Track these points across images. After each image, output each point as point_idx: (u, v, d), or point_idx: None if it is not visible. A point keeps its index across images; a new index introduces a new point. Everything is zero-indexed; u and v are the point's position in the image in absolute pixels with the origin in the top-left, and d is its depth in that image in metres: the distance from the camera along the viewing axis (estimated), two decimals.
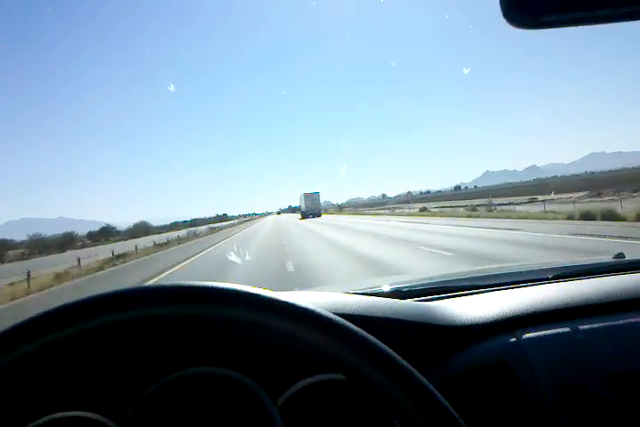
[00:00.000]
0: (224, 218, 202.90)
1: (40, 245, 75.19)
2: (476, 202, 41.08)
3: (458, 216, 27.75)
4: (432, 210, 42.67)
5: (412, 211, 44.37)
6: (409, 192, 59.96)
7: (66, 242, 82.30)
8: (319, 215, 66.98)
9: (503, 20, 0.52)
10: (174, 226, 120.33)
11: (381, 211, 62.70)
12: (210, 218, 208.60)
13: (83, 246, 75.59)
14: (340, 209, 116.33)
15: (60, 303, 0.47)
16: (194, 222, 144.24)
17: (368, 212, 68.56)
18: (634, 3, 0.50)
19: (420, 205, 54.94)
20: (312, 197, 68.95)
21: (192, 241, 35.61)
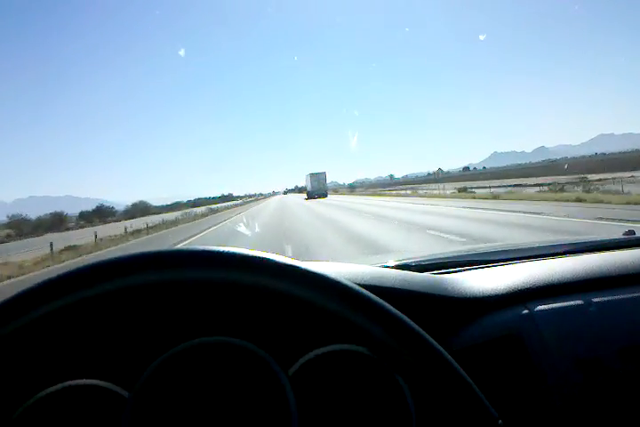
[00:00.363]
0: (229, 198, 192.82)
1: (25, 227, 69.17)
2: (561, 179, 31.83)
3: (555, 200, 17.17)
4: (475, 191, 33.60)
5: (445, 192, 35.87)
6: (439, 169, 52.24)
7: (55, 223, 76.20)
8: (325, 195, 62.47)
9: None
10: (175, 206, 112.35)
11: (402, 191, 53.25)
12: (215, 198, 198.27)
13: (67, 229, 69.05)
14: (351, 190, 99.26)
15: None
16: (197, 202, 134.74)
17: (387, 192, 58.26)
18: None
19: (451, 185, 46.49)
20: (318, 177, 64.67)
21: (186, 224, 29.47)
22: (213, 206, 69.45)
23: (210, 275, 0.48)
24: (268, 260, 0.48)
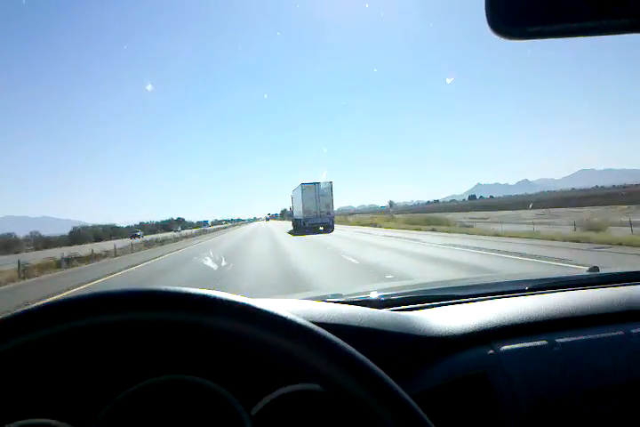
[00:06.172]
0: (168, 226, 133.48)
1: None
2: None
3: None
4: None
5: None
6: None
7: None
8: (331, 227, 33.23)
9: (489, 30, 0.52)
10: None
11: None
12: (157, 223, 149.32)
13: None
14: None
15: None
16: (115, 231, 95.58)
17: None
18: (620, 16, 0.49)
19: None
20: (316, 191, 33.92)
21: None
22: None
23: (172, 317, 0.46)
24: (227, 300, 0.46)
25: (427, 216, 33.08)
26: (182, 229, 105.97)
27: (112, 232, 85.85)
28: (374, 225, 37.78)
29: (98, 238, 77.08)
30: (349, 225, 45.00)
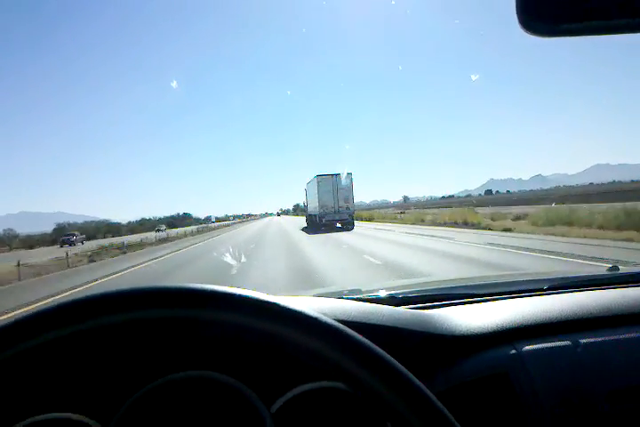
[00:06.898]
0: (174, 222, 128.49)
1: None
2: None
3: None
4: None
5: None
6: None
7: None
8: (351, 224, 28.55)
9: (518, 27, 0.50)
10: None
11: None
12: (161, 219, 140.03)
13: None
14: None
15: None
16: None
17: None
18: None
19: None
20: (334, 183, 29.05)
21: None
22: None
23: (201, 314, 0.46)
24: (249, 298, 0.46)
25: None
26: (177, 226, 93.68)
27: (106, 229, 78.99)
28: (474, 225, 21.78)
29: (91, 236, 70.52)
30: (411, 224, 29.32)
